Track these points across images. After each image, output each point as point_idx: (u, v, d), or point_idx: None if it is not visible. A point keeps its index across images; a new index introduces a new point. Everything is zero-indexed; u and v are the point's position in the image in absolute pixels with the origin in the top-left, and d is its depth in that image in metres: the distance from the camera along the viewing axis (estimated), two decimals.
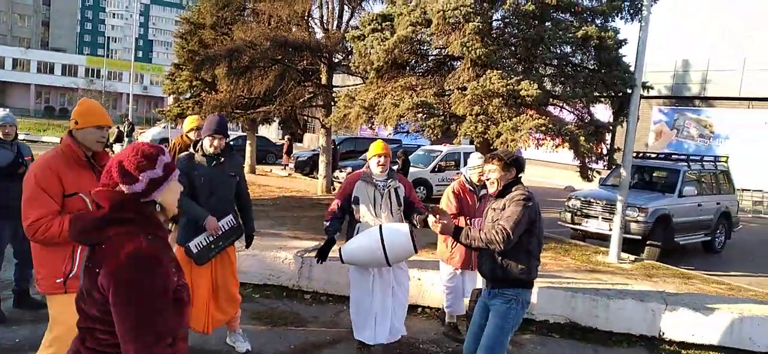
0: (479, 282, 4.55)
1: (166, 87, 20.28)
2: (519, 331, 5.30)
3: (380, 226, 4.15)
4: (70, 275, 2.96)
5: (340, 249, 4.32)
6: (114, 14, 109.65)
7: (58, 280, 2.97)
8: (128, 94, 40.88)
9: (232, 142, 18.60)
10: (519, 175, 3.55)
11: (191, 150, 4.24)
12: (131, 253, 1.68)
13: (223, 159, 4.17)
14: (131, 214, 1.76)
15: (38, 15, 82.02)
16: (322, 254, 4.49)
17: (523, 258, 3.41)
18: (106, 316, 1.71)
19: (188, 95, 19.29)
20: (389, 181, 4.42)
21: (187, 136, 5.66)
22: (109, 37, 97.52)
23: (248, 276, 6.01)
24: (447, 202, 4.99)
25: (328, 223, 4.44)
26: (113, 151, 25.15)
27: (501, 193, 3.49)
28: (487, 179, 3.54)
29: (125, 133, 25.29)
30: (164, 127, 29.22)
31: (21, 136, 5.03)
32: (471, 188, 4.99)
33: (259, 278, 6.11)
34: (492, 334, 3.44)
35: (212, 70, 14.65)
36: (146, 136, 31.24)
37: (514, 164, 3.51)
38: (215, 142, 4.10)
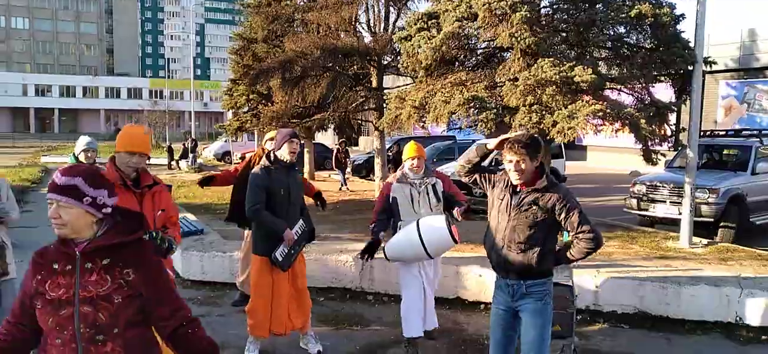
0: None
1: (225, 102, 20.96)
2: (585, 324, 5.20)
3: (417, 221, 4.32)
4: None
5: (383, 247, 4.52)
6: (172, 36, 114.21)
7: None
8: (190, 112, 42.47)
9: None
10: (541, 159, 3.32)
11: (266, 162, 4.39)
12: None
13: (296, 167, 4.45)
14: None
15: (103, 43, 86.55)
16: (366, 253, 4.71)
17: (553, 246, 3.25)
18: None
19: (246, 109, 19.86)
20: (425, 178, 4.62)
21: (263, 147, 5.86)
22: (168, 59, 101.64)
23: (312, 280, 6.12)
24: None
25: (372, 225, 4.69)
26: (179, 167, 26.26)
27: (542, 187, 3.16)
28: (516, 170, 3.14)
29: (189, 150, 26.27)
30: (226, 141, 30.22)
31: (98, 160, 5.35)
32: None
33: (323, 282, 6.25)
34: (539, 339, 3.16)
35: (267, 83, 15.03)
36: (209, 150, 32.41)
37: (538, 147, 3.21)
38: (293, 145, 4.33)
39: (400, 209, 4.58)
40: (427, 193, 4.60)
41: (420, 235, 4.21)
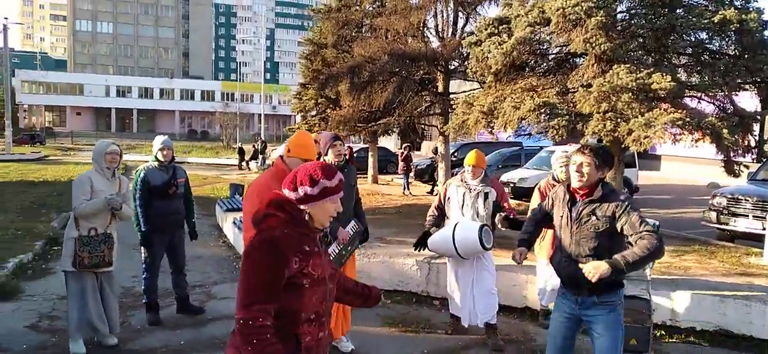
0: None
1: (294, 106, 21.49)
2: (663, 339, 5.02)
3: (455, 223, 4.74)
4: None
5: (419, 241, 5.07)
6: (244, 41, 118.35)
7: None
8: (259, 115, 43.81)
9: (355, 154, 19.35)
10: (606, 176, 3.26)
11: None
12: (261, 237, 2.12)
13: (345, 169, 4.51)
14: (283, 213, 2.16)
15: (179, 47, 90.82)
16: (418, 244, 5.13)
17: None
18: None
19: (314, 112, 20.31)
20: (480, 185, 4.88)
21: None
22: (240, 62, 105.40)
23: (378, 282, 6.22)
24: (534, 200, 5.08)
25: (428, 218, 5.13)
26: (249, 168, 27.14)
27: (602, 197, 3.13)
28: (578, 171, 3.14)
29: (259, 151, 27.13)
30: None
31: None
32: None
33: (389, 284, 6.32)
34: (611, 350, 3.10)
35: (335, 87, 15.33)
36: (278, 152, 33.30)
37: (609, 161, 3.22)
38: (337, 148, 4.44)
39: (451, 208, 4.96)
40: (478, 199, 4.84)
41: (453, 236, 4.65)
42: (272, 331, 2.03)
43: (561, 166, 4.92)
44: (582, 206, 3.16)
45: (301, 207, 2.17)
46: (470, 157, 4.89)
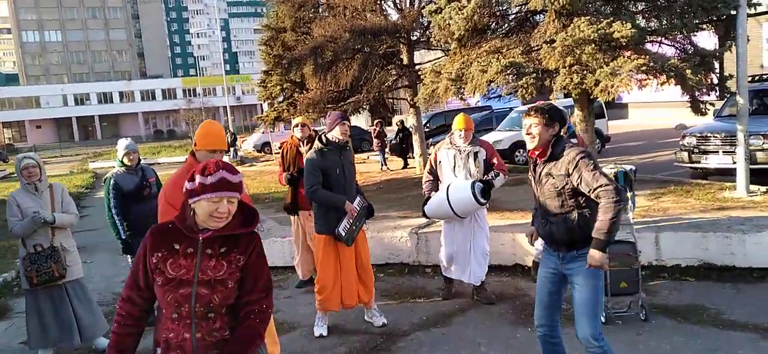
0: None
1: (260, 94, 21.12)
2: (650, 279, 5.18)
3: (448, 185, 4.86)
4: None
5: (424, 207, 5.10)
6: (198, 34, 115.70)
7: None
8: (224, 107, 43.14)
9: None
10: (560, 131, 3.21)
11: (318, 145, 4.57)
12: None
13: (347, 147, 4.60)
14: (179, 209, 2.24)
15: (133, 48, 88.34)
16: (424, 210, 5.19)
17: (595, 211, 3.04)
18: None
19: (281, 98, 20.02)
20: (469, 146, 4.99)
21: (293, 135, 5.97)
22: (197, 57, 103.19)
23: (370, 257, 6.26)
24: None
25: (424, 185, 5.21)
26: None
27: (551, 156, 3.11)
28: (529, 133, 3.15)
29: (230, 144, 26.77)
30: (263, 132, 30.65)
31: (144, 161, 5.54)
32: None
33: (381, 258, 6.38)
34: (591, 299, 3.06)
35: (300, 71, 15.14)
36: (249, 143, 32.90)
37: (558, 118, 3.16)
38: (344, 127, 4.52)
39: (443, 172, 5.05)
40: (468, 159, 4.94)
41: (448, 197, 4.77)
42: (125, 318, 2.23)
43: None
44: (541, 167, 3.17)
45: (189, 202, 2.15)
46: (459, 122, 4.99)
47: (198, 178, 2.10)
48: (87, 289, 4.83)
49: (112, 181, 5.14)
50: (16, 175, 4.58)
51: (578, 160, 3.01)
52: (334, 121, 4.54)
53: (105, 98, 74.56)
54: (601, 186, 2.92)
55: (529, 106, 3.24)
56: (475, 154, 4.98)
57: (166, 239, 2.16)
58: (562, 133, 4.89)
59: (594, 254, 2.96)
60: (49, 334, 4.56)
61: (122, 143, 5.28)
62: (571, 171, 3.02)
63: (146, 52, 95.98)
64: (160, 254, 2.14)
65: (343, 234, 4.46)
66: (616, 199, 2.90)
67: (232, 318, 2.18)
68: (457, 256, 5.11)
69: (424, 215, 5.22)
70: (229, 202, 2.10)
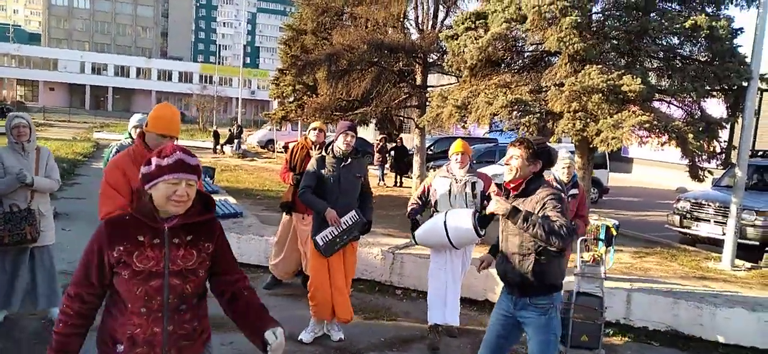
0: None
1: (272, 91, 21.30)
2: (615, 337, 5.11)
3: (446, 211, 4.59)
4: None
5: (413, 232, 4.80)
6: (224, 23, 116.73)
7: None
8: (237, 99, 43.36)
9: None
10: (543, 171, 3.12)
11: (323, 152, 4.63)
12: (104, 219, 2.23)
13: (350, 160, 4.54)
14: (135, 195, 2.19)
15: (158, 27, 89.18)
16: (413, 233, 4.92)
17: (559, 259, 3.03)
18: None
19: (291, 99, 20.14)
20: (467, 176, 4.79)
21: (307, 137, 6.01)
22: (220, 45, 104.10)
23: None
24: None
25: (409, 209, 4.95)
26: (223, 152, 26.86)
27: (523, 191, 3.04)
28: (508, 164, 3.08)
29: (234, 136, 26.83)
30: (270, 129, 30.75)
31: None
32: (559, 187, 4.83)
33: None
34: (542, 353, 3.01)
35: (313, 74, 15.23)
36: (254, 138, 33.02)
37: (542, 157, 3.05)
38: (348, 138, 4.51)
39: (439, 200, 4.82)
40: (465, 189, 4.75)
41: (445, 224, 4.49)
42: (72, 317, 2.09)
43: (563, 168, 4.99)
44: (510, 200, 3.06)
45: (145, 188, 2.09)
46: (456, 146, 4.87)
47: (154, 161, 2.07)
48: (53, 259, 4.79)
49: (114, 150, 5.16)
50: (5, 131, 4.57)
51: (546, 200, 2.96)
52: (339, 131, 4.58)
53: (122, 71, 75.16)
54: (562, 223, 2.85)
55: (518, 137, 3.19)
56: (473, 184, 4.81)
57: (127, 232, 2.07)
58: (562, 178, 4.88)
59: (503, 202, 2.97)
60: (8, 293, 4.53)
61: (135, 117, 5.33)
62: (537, 211, 2.95)
63: (170, 33, 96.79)
64: (122, 248, 2.05)
65: (320, 243, 4.43)
66: (562, 234, 2.82)
67: (200, 308, 2.20)
68: (442, 295, 4.78)
69: (413, 239, 4.92)
70: (188, 185, 2.07)
